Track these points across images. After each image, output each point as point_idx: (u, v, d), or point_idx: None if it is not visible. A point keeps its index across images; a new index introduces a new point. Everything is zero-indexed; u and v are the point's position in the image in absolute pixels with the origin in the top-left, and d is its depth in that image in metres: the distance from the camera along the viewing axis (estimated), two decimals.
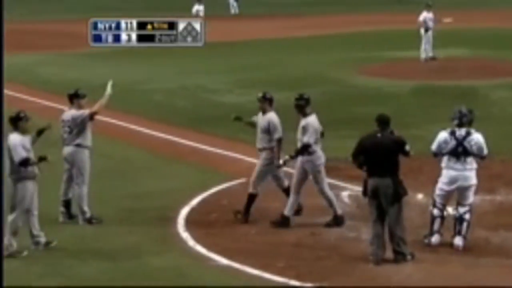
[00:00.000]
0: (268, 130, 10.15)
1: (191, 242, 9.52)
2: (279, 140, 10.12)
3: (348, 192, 11.23)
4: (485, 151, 9.22)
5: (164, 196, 11.28)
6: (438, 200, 9.36)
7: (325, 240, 9.54)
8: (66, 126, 10.30)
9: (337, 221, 9.96)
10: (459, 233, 9.22)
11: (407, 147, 8.95)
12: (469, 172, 9.18)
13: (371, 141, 8.94)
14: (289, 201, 10.04)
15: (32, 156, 9.17)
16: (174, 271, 8.75)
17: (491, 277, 8.49)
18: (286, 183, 10.36)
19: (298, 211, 10.20)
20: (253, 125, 10.48)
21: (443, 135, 9.24)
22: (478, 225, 9.65)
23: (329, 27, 33.82)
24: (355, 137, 9.32)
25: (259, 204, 10.39)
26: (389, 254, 8.86)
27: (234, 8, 43.59)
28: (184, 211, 10.61)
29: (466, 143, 9.13)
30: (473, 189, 9.29)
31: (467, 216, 9.23)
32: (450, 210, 9.52)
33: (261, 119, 10.28)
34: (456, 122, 9.22)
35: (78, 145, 10.26)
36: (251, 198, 10.21)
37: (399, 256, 8.82)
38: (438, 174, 9.37)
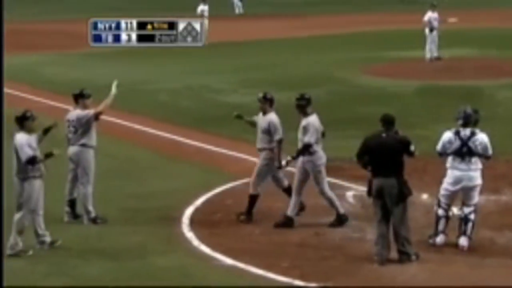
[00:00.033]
0: (269, 131, 10.15)
1: (195, 242, 9.52)
2: (280, 141, 10.12)
3: (352, 192, 11.22)
4: (490, 151, 9.21)
5: (169, 196, 11.29)
6: (443, 200, 9.34)
7: (330, 240, 9.54)
8: (71, 126, 10.32)
9: (341, 220, 9.95)
10: (464, 233, 9.21)
11: (412, 147, 8.94)
12: (474, 172, 9.16)
13: (375, 141, 8.93)
14: (291, 201, 10.04)
15: (38, 154, 9.19)
16: (178, 271, 8.75)
17: (496, 277, 8.47)
18: (286, 182, 10.35)
19: (300, 209, 10.19)
20: (253, 124, 10.47)
21: (447, 135, 9.23)
22: (483, 225, 9.63)
23: (333, 27, 33.80)
24: (359, 137, 9.32)
25: (262, 204, 10.39)
26: (393, 254, 8.85)
27: (238, 8, 43.60)
28: (189, 211, 10.61)
29: (470, 143, 9.12)
30: (478, 189, 9.27)
31: (472, 216, 9.21)
32: (455, 210, 9.51)
33: (262, 120, 10.27)
34: (460, 122, 9.20)
35: (83, 145, 10.28)
36: (253, 199, 10.21)
37: (404, 256, 8.81)
38: (443, 174, 9.36)
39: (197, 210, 10.69)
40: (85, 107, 10.37)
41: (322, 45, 29.08)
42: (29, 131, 9.24)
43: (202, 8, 29.72)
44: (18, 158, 9.13)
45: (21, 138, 9.16)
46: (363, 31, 31.88)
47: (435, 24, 23.97)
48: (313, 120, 9.91)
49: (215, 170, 12.79)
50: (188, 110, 18.24)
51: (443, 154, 9.28)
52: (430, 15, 24.05)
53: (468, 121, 9.19)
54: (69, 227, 10.16)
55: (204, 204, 10.96)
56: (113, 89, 10.57)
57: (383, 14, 39.53)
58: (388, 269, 8.64)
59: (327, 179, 10.07)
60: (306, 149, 9.82)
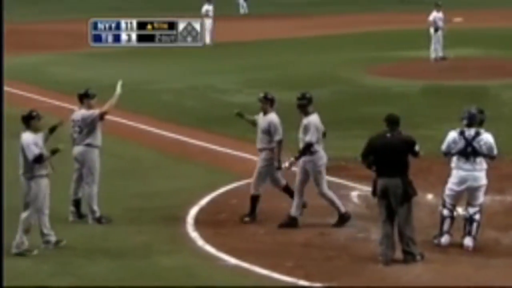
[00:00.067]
0: (269, 131, 10.14)
1: (200, 241, 9.53)
2: (280, 142, 10.10)
3: (357, 192, 11.21)
4: (495, 151, 9.19)
5: (173, 196, 11.30)
6: (447, 200, 9.33)
7: (334, 240, 9.53)
8: (76, 126, 10.34)
9: (343, 219, 9.93)
10: (469, 233, 9.19)
11: (417, 148, 8.92)
12: (479, 172, 9.15)
13: (380, 141, 8.92)
14: (294, 202, 10.03)
15: (45, 152, 9.22)
16: (183, 270, 8.76)
17: (501, 277, 8.45)
18: (283, 181, 10.33)
19: (302, 207, 10.17)
20: (254, 123, 10.46)
21: (452, 135, 9.22)
22: (488, 225, 9.61)
23: (338, 27, 33.78)
24: (364, 137, 9.30)
25: (267, 204, 10.39)
26: (398, 254, 8.84)
27: (243, 8, 43.61)
28: (193, 211, 10.62)
29: (475, 143, 9.10)
30: (483, 189, 9.25)
31: (477, 217, 9.19)
32: (460, 210, 9.49)
33: (262, 120, 10.26)
34: (465, 122, 9.19)
35: (88, 145, 10.30)
36: (254, 199, 10.21)
37: (409, 257, 8.80)
38: (448, 175, 9.34)
39: (201, 210, 10.69)
40: (90, 107, 10.39)
41: (327, 45, 29.07)
42: (35, 130, 9.28)
43: (207, 8, 29.73)
44: (24, 157, 9.16)
45: (28, 137, 9.20)
46: (368, 31, 31.86)
47: (440, 24, 23.94)
48: (314, 119, 9.89)
49: (219, 170, 12.79)
50: (193, 110, 18.24)
51: (448, 154, 9.27)
52: (435, 15, 24.02)
53: (473, 121, 9.17)
54: (74, 227, 10.17)
55: (209, 204, 10.96)
56: (118, 89, 10.58)
57: (388, 14, 39.49)
58: (393, 269, 8.63)
59: (326, 180, 10.02)
60: (308, 148, 9.80)
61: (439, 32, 23.87)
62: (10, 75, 22.44)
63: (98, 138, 10.37)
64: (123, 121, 15.99)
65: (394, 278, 8.45)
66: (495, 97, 18.26)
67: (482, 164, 9.17)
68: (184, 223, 10.17)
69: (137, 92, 19.05)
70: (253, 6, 43.37)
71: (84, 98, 10.45)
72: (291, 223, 9.97)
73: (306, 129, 9.82)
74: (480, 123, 9.25)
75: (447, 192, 9.34)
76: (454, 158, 9.22)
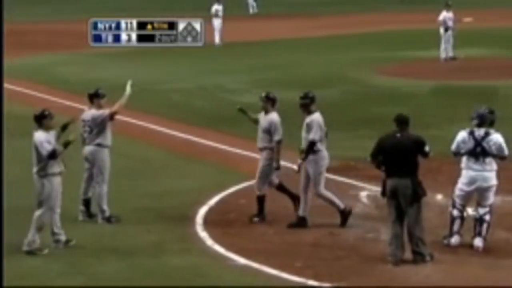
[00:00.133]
0: (269, 131, 10.14)
1: (209, 241, 9.54)
2: (279, 142, 10.09)
3: (366, 192, 11.20)
4: (506, 152, 9.15)
5: (183, 196, 11.31)
6: (457, 200, 9.30)
7: (344, 240, 9.52)
8: (87, 126, 10.37)
9: (345, 214, 9.90)
10: (479, 234, 9.16)
11: (427, 148, 8.90)
12: (489, 172, 9.11)
13: (390, 141, 8.90)
14: (301, 202, 10.02)
15: (58, 147, 9.27)
16: (192, 270, 8.77)
17: (511, 278, 8.42)
18: (276, 180, 10.32)
19: (295, 200, 10.15)
20: (255, 121, 10.47)
21: (462, 134, 9.20)
22: (499, 226, 9.58)
23: (347, 27, 33.73)
24: (373, 137, 9.29)
25: (276, 204, 10.39)
26: (408, 254, 8.82)
27: (253, 8, 43.62)
28: (203, 211, 10.63)
29: (485, 143, 9.07)
30: (493, 190, 9.21)
31: (487, 217, 9.16)
32: (470, 211, 9.46)
33: (263, 119, 10.26)
34: (475, 122, 9.16)
35: (99, 145, 10.33)
36: (261, 200, 10.22)
37: (418, 257, 8.78)
38: (458, 175, 9.32)
39: (211, 210, 10.70)
40: (99, 107, 10.42)
41: (336, 45, 29.03)
42: (47, 129, 9.35)
43: (217, 8, 29.76)
44: (38, 155, 9.23)
45: (40, 135, 9.27)
46: (377, 31, 31.79)
47: (450, 23, 23.87)
48: (317, 117, 9.88)
49: (229, 170, 12.80)
50: (202, 110, 18.27)
51: (458, 154, 9.25)
52: (445, 15, 23.95)
53: (483, 121, 9.14)
54: (84, 226, 10.21)
55: (218, 203, 10.97)
56: (128, 89, 10.61)
57: (397, 14, 39.39)
58: (402, 270, 8.61)
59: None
60: (312, 147, 9.77)
61: (449, 32, 23.81)
62: (20, 75, 22.61)
63: (108, 138, 10.40)
64: (133, 121, 16.03)
65: (404, 278, 8.43)
66: (505, 97, 18.18)
67: (492, 164, 9.13)
68: (193, 223, 10.18)
69: (147, 92, 19.09)
70: (262, 6, 43.38)
71: (94, 98, 10.48)
72: (300, 223, 9.96)
73: (309, 127, 9.81)
74: (491, 124, 9.22)
75: (457, 192, 9.31)
76: (464, 158, 9.19)
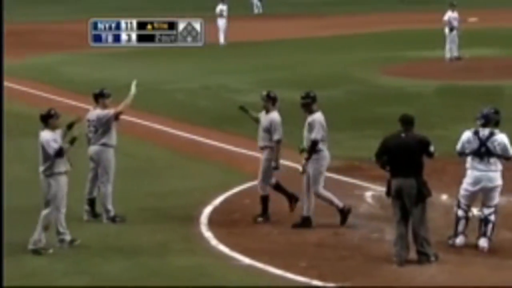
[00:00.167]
0: (270, 130, 10.14)
1: (213, 241, 9.54)
2: (278, 142, 10.09)
3: (371, 193, 11.19)
4: (510, 152, 9.13)
5: (187, 196, 11.32)
6: (462, 201, 9.29)
7: (348, 240, 9.51)
8: (92, 125, 10.39)
9: (344, 213, 9.89)
10: (484, 234, 9.14)
11: (432, 148, 8.88)
12: (493, 173, 9.10)
13: (395, 141, 8.90)
14: (304, 202, 10.02)
15: (64, 145, 9.30)
16: (197, 270, 8.77)
17: None
18: (273, 179, 10.32)
19: (293, 200, 10.15)
20: (256, 120, 10.47)
21: (467, 134, 9.19)
22: (504, 226, 9.55)
23: (352, 27, 33.71)
24: (378, 137, 9.28)
25: (280, 204, 10.38)
26: (412, 255, 8.81)
27: (257, 7, 43.64)
28: (207, 211, 10.64)
29: (489, 144, 9.05)
30: (498, 190, 9.20)
31: (492, 218, 9.14)
32: (474, 211, 9.44)
33: (264, 118, 10.27)
34: (480, 122, 9.14)
35: (104, 145, 10.35)
36: (264, 200, 10.22)
37: (423, 257, 8.77)
38: (463, 175, 9.30)
39: (215, 210, 10.71)
40: (105, 106, 10.44)
41: (341, 45, 29.01)
42: (53, 128, 9.39)
43: (221, 7, 29.77)
44: (44, 154, 9.26)
45: (46, 134, 9.32)
46: (383, 31, 31.76)
47: (455, 23, 23.84)
48: (318, 116, 9.87)
49: (233, 170, 12.80)
50: (206, 110, 18.27)
51: (462, 154, 9.23)
52: (450, 15, 23.93)
53: (488, 121, 9.13)
54: (89, 226, 10.22)
55: (223, 203, 10.98)
56: (133, 89, 10.62)
57: (402, 14, 39.35)
58: (407, 270, 8.60)
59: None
60: (314, 146, 9.77)
61: (454, 32, 23.78)
62: (26, 76, 22.66)
63: (113, 137, 10.42)
64: (138, 121, 16.05)
65: (408, 278, 8.42)
66: (510, 98, 18.10)
67: (497, 164, 9.12)
68: (198, 223, 10.19)
69: (151, 92, 19.11)
70: (267, 6, 43.39)
71: (99, 97, 10.49)
72: (304, 223, 9.96)
73: (311, 127, 9.81)
74: (496, 124, 9.20)
75: (461, 192, 9.30)
76: (469, 158, 9.18)
